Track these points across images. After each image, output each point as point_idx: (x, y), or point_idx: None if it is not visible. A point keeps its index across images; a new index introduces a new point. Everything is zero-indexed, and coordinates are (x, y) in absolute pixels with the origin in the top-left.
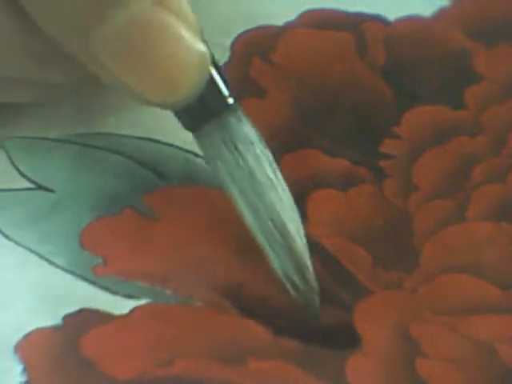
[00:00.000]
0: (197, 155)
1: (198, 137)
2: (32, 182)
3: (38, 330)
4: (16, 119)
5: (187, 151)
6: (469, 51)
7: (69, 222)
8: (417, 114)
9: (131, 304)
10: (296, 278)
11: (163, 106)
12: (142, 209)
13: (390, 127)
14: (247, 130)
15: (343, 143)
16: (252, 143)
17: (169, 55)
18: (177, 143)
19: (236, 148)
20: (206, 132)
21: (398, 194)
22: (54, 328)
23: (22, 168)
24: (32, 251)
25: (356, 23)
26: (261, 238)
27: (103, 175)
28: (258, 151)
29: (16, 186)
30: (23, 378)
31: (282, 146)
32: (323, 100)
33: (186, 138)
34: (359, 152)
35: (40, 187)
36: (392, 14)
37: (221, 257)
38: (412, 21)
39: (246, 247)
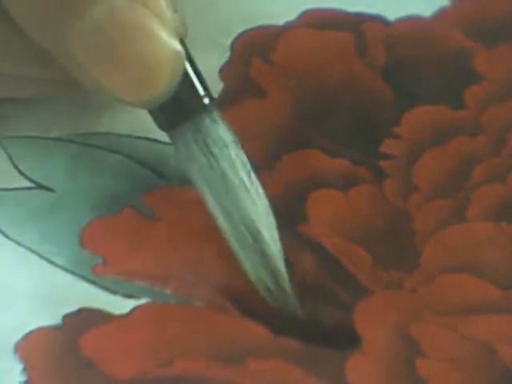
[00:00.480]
0: None
1: (171, 137)
2: (32, 181)
3: (38, 330)
4: (16, 118)
5: None
6: (469, 51)
7: (69, 222)
8: (417, 114)
9: (131, 304)
10: (269, 282)
11: (138, 105)
12: (141, 208)
13: (389, 127)
14: (222, 132)
15: (343, 143)
16: (226, 146)
17: (144, 53)
18: None
19: (209, 150)
20: (180, 132)
21: (398, 193)
22: (54, 328)
23: (21, 167)
24: (32, 251)
25: (356, 23)
26: (233, 241)
27: (103, 175)
28: (232, 154)
29: (16, 186)
30: (23, 378)
31: (282, 146)
32: (323, 100)
33: None
34: (359, 152)
35: (40, 186)
36: (392, 13)
37: (221, 256)
38: (412, 21)
39: None
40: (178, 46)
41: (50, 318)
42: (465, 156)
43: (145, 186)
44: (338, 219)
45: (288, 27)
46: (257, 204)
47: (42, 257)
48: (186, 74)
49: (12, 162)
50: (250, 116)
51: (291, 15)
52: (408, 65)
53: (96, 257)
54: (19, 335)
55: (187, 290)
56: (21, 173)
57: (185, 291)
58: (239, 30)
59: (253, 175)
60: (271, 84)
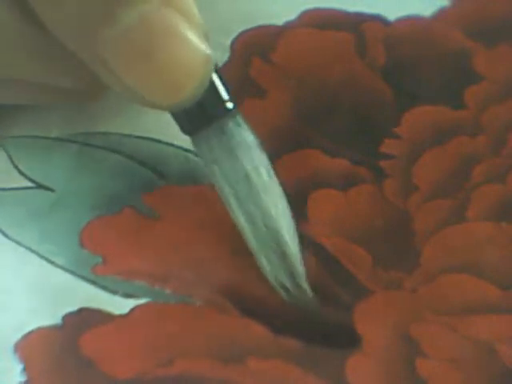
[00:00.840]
0: (196, 154)
1: (195, 140)
2: (32, 181)
3: (38, 330)
4: (16, 118)
5: (187, 150)
6: (469, 51)
7: (68, 222)
8: (417, 113)
9: (131, 303)
10: (288, 284)
11: (166, 108)
12: (141, 208)
13: (389, 127)
14: (245, 135)
15: (343, 143)
16: (250, 148)
17: (175, 57)
18: (177, 143)
19: (233, 153)
20: (204, 136)
21: (398, 193)
22: (54, 327)
23: (21, 167)
24: (32, 250)
25: (356, 23)
26: (254, 243)
27: (103, 174)
28: (256, 157)
29: (16, 185)
30: (23, 378)
31: (282, 146)
32: (323, 100)
33: (186, 138)
34: (359, 152)
35: (40, 186)
36: (392, 14)
37: (221, 256)
38: (412, 21)
39: (246, 247)
40: (208, 50)
41: (50, 317)
42: (465, 156)
43: (145, 186)
44: (338, 219)
45: (288, 27)
46: (278, 206)
47: (41, 257)
48: (211, 78)
49: (12, 161)
50: (250, 116)
51: (291, 15)
52: (408, 65)
53: (96, 257)
54: (19, 335)
55: (187, 289)
56: (21, 173)
57: (185, 291)
58: (239, 30)
59: (274, 177)
60: (271, 84)
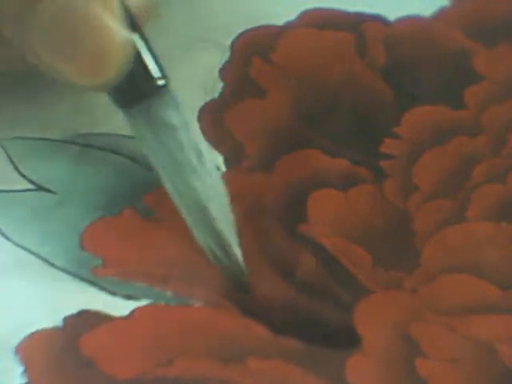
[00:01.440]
0: None
1: (125, 116)
2: (32, 182)
3: (39, 331)
4: (16, 119)
5: None
6: (469, 51)
7: (69, 223)
8: (417, 113)
9: (131, 305)
10: (219, 254)
11: (91, 89)
12: (142, 209)
13: (389, 127)
14: (171, 115)
15: (343, 143)
16: (174, 128)
17: (94, 42)
18: None
19: (158, 132)
20: (132, 114)
21: (398, 194)
22: (55, 329)
23: (22, 169)
24: (32, 252)
25: (356, 23)
26: (184, 216)
27: (103, 176)
28: (181, 136)
29: (16, 187)
30: (23, 379)
31: (282, 146)
32: (323, 100)
33: None
34: (359, 152)
35: (40, 188)
36: (392, 13)
37: None
38: (412, 21)
39: (246, 247)
40: (127, 34)
41: (51, 319)
42: (465, 156)
43: (145, 187)
44: (338, 219)
45: (288, 27)
46: (204, 183)
47: (42, 258)
48: (140, 57)
49: (12, 163)
50: (250, 116)
51: (291, 15)
52: (408, 65)
53: (96, 258)
54: (20, 337)
55: (187, 290)
56: (21, 174)
57: (185, 292)
58: (239, 30)
59: (204, 156)
60: (271, 84)
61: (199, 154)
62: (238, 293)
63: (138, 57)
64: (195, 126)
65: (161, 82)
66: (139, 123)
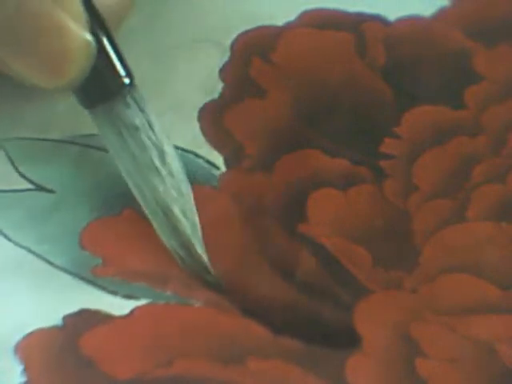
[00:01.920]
0: (197, 155)
1: (90, 116)
2: (32, 182)
3: (38, 331)
4: (16, 120)
5: (187, 151)
6: (469, 51)
7: (69, 223)
8: (417, 114)
9: (131, 304)
10: (182, 253)
11: (53, 91)
12: (141, 209)
13: (389, 127)
14: (133, 116)
15: (343, 143)
16: (136, 129)
17: (54, 44)
18: (176, 143)
19: (119, 132)
20: (97, 112)
21: (398, 194)
22: (54, 328)
23: (22, 169)
24: (31, 252)
25: (356, 23)
26: (149, 215)
27: (103, 176)
28: (142, 137)
29: (16, 187)
30: (23, 378)
31: (282, 146)
32: (323, 100)
33: (185, 139)
34: (359, 152)
35: (40, 188)
36: (392, 13)
37: (220, 257)
38: (412, 21)
39: (246, 247)
40: (88, 37)
41: (50, 318)
42: (465, 156)
43: None
44: (338, 219)
45: (288, 27)
46: (166, 183)
47: (41, 258)
48: (104, 56)
49: (12, 163)
50: (250, 116)
51: (291, 15)
52: (408, 65)
53: (96, 258)
54: (19, 336)
55: (187, 290)
56: (21, 174)
57: (184, 292)
58: (239, 30)
59: (167, 156)
60: (271, 84)
61: (162, 155)
62: (212, 289)
63: (102, 56)
64: (159, 127)
65: (126, 81)
66: (103, 123)
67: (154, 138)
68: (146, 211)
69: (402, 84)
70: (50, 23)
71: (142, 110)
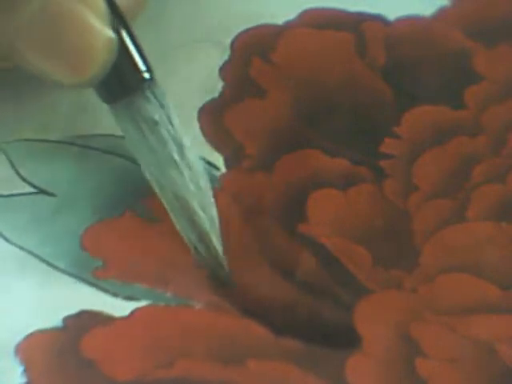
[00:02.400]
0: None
1: (110, 111)
2: (33, 186)
3: (39, 332)
4: (16, 121)
5: None
6: (469, 51)
7: (70, 225)
8: (417, 114)
9: (131, 306)
10: (199, 247)
11: (74, 87)
12: (142, 211)
13: (389, 127)
14: (152, 110)
15: (343, 143)
16: (156, 123)
17: (76, 41)
18: None
19: (139, 127)
20: (117, 108)
21: (398, 193)
22: (55, 330)
23: (22, 172)
24: (33, 254)
25: (356, 23)
26: (168, 211)
27: (104, 178)
28: (162, 131)
29: (17, 191)
30: (23, 380)
31: (282, 146)
32: (323, 100)
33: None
34: (359, 152)
35: (41, 191)
36: (392, 13)
37: None
38: (412, 21)
39: (246, 247)
40: (110, 33)
41: (51, 320)
42: (465, 156)
43: (145, 189)
44: (338, 219)
45: (288, 27)
46: (185, 177)
47: (43, 260)
48: (125, 51)
49: (13, 166)
50: (250, 116)
51: (291, 15)
52: (408, 65)
53: (97, 260)
54: (20, 337)
55: (187, 291)
56: (22, 178)
57: (185, 293)
58: (239, 30)
59: (186, 150)
60: (271, 84)
61: (181, 149)
62: (219, 286)
63: (123, 51)
64: (178, 121)
65: (146, 76)
66: (122, 118)
67: (173, 132)
68: (165, 204)
69: (402, 84)
70: (73, 20)
71: (161, 105)
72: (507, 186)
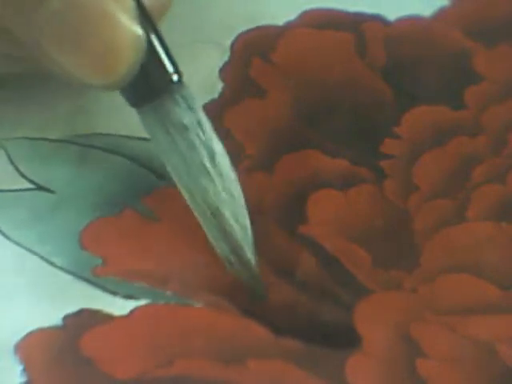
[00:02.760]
0: None
1: (138, 114)
2: (32, 182)
3: (38, 330)
4: (16, 120)
5: None
6: (469, 51)
7: (69, 223)
8: (417, 114)
9: (131, 304)
10: (232, 258)
11: (102, 88)
12: (141, 209)
13: (389, 127)
14: (182, 115)
15: (343, 143)
16: (186, 128)
17: (104, 38)
18: None
19: (168, 132)
20: (145, 111)
21: (398, 194)
22: (54, 328)
23: (22, 169)
24: (32, 251)
25: (356, 23)
26: (197, 217)
27: (103, 176)
28: (192, 137)
29: (16, 187)
30: (23, 378)
31: (282, 146)
32: (323, 100)
33: None
34: (359, 152)
35: (40, 188)
36: (392, 13)
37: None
38: (412, 21)
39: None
40: (139, 30)
41: (50, 318)
42: (465, 156)
43: (145, 187)
44: (338, 219)
45: (288, 27)
46: (216, 185)
47: (42, 258)
48: (153, 52)
49: (12, 163)
50: (250, 116)
51: (291, 15)
52: (408, 65)
53: (96, 258)
54: (19, 336)
55: (187, 290)
56: (21, 174)
57: (185, 292)
58: (239, 30)
59: (217, 156)
60: (271, 84)
61: (212, 155)
62: (253, 300)
63: (151, 52)
64: (209, 126)
65: (175, 78)
66: (151, 122)
67: (203, 137)
68: (195, 212)
69: (402, 84)
70: (99, 14)
71: (191, 109)
72: (507, 186)
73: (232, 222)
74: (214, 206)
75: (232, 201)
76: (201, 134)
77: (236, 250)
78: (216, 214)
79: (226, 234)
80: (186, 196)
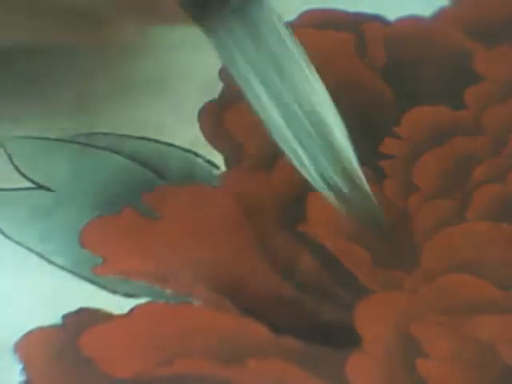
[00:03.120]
0: (196, 154)
1: (209, 26)
2: (32, 181)
3: (38, 329)
4: (17, 119)
5: (187, 150)
6: (469, 51)
7: (69, 222)
8: (417, 113)
9: (131, 303)
10: (338, 180)
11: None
12: (141, 208)
13: (390, 127)
14: (271, 16)
15: None
16: (277, 31)
17: None
18: (177, 143)
19: (257, 31)
20: (220, 19)
21: (397, 193)
22: (54, 327)
23: (22, 168)
24: (32, 251)
25: (356, 23)
26: (288, 137)
27: (103, 175)
28: (283, 35)
29: (16, 186)
30: (23, 377)
31: None
32: None
33: (186, 138)
34: (359, 152)
35: (40, 187)
36: (392, 13)
37: (220, 256)
38: (412, 21)
39: (246, 246)
40: None
41: (50, 317)
42: (465, 156)
43: (145, 186)
44: (338, 219)
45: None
46: (317, 91)
47: (41, 257)
48: None
49: (12, 162)
50: (250, 116)
51: (291, 15)
52: (408, 65)
53: (96, 256)
54: (19, 334)
55: (187, 289)
56: (21, 173)
57: (184, 291)
58: None
59: (313, 68)
60: None
61: (306, 59)
62: (375, 232)
63: None
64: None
65: None
66: (230, 26)
67: (295, 43)
68: (288, 131)
69: (402, 84)
70: None
71: (275, 10)
72: (507, 186)
73: (339, 136)
74: (316, 116)
75: (333, 110)
76: (292, 40)
77: (344, 167)
78: (319, 127)
79: (330, 147)
80: (272, 113)
